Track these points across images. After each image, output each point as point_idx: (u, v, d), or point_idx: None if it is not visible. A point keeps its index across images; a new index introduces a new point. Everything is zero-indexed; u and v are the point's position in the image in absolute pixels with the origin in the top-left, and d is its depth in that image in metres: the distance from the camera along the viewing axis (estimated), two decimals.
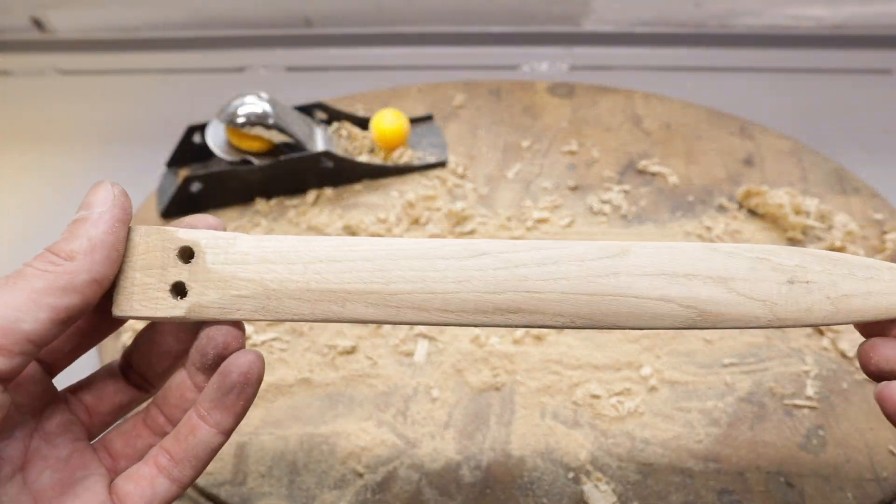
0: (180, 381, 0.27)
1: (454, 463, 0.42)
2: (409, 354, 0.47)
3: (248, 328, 0.48)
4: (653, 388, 0.45)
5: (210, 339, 0.25)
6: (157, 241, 0.26)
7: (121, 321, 0.28)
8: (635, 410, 0.43)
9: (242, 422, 0.43)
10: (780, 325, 0.26)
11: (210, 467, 0.42)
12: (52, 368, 0.27)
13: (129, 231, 0.26)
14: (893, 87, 0.71)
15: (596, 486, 0.40)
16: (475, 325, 0.26)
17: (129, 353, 0.29)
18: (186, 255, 0.26)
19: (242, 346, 0.26)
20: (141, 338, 0.29)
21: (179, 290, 0.26)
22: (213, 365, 0.26)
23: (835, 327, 0.47)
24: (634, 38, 0.78)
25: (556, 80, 0.72)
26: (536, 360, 0.46)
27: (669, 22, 0.78)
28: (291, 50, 0.81)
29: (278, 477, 0.41)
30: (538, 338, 0.47)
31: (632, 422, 0.43)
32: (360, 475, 0.41)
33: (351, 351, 0.47)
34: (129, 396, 0.29)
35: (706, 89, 0.71)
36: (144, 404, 0.29)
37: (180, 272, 0.26)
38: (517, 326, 0.26)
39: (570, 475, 0.41)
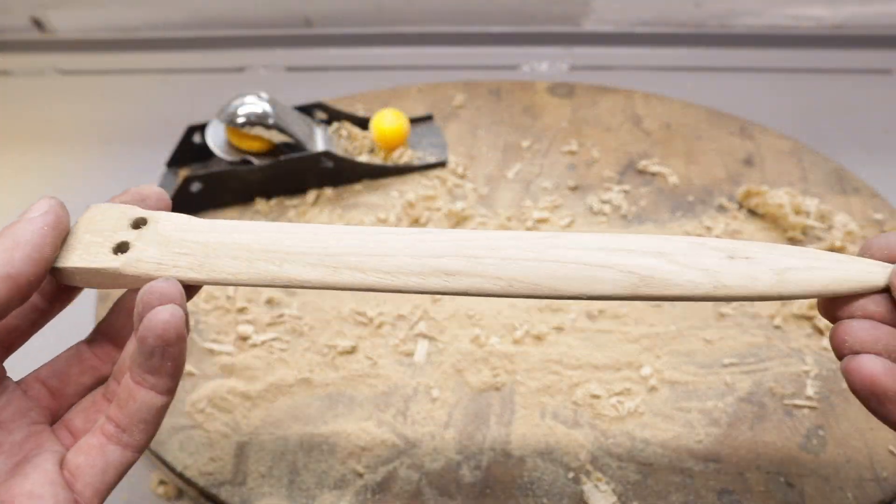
0: (133, 349, 0.27)
1: (454, 463, 0.42)
2: (409, 354, 0.47)
3: (248, 328, 0.48)
4: (653, 388, 0.45)
5: (145, 305, 0.25)
6: (115, 213, 0.27)
7: (72, 296, 0.28)
8: (635, 410, 0.43)
9: (242, 422, 0.43)
10: (726, 295, 0.26)
11: (210, 467, 0.42)
12: (8, 349, 0.27)
13: (86, 210, 0.27)
14: (893, 87, 0.71)
15: (596, 486, 0.40)
16: (411, 290, 0.26)
17: (102, 325, 0.29)
18: (139, 224, 0.27)
19: (178, 305, 0.25)
20: (116, 307, 0.29)
21: (122, 248, 0.27)
22: None
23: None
24: (634, 38, 0.78)
25: (556, 80, 0.72)
26: (536, 360, 0.46)
27: (669, 22, 0.78)
28: (291, 50, 0.81)
29: (278, 477, 0.41)
30: (538, 338, 0.47)
31: (632, 422, 0.43)
32: (360, 475, 0.41)
33: (351, 351, 0.47)
34: (95, 377, 0.28)
35: (706, 89, 0.71)
36: None
37: (128, 235, 0.27)
38: (454, 293, 0.26)
39: (570, 475, 0.41)
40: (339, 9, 0.80)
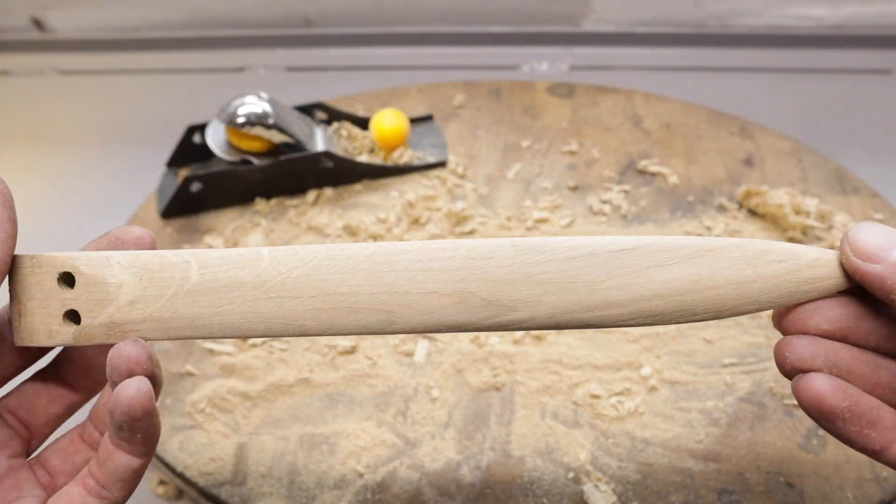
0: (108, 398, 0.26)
1: (454, 463, 0.42)
2: (409, 354, 0.47)
3: None
4: (653, 388, 0.45)
5: (114, 368, 0.24)
6: (44, 267, 0.25)
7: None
8: (635, 410, 0.43)
9: (242, 421, 0.43)
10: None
11: (210, 467, 0.42)
12: None
13: (14, 266, 0.25)
14: (893, 87, 0.71)
15: (596, 486, 0.40)
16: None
17: (68, 350, 0.28)
18: (70, 280, 0.25)
19: (146, 370, 0.24)
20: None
21: (74, 317, 0.25)
22: None
23: None
24: (634, 38, 0.78)
25: (556, 80, 0.72)
26: (536, 360, 0.46)
27: (669, 22, 0.78)
28: (291, 50, 0.81)
29: (278, 477, 0.41)
30: (538, 338, 0.47)
31: (632, 422, 0.43)
32: (360, 475, 0.41)
33: (351, 351, 0.47)
34: (64, 405, 0.28)
35: (706, 89, 0.71)
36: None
37: (70, 297, 0.25)
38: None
39: (570, 475, 0.41)
40: (339, 9, 0.80)
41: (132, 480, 0.25)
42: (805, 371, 0.24)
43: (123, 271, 0.25)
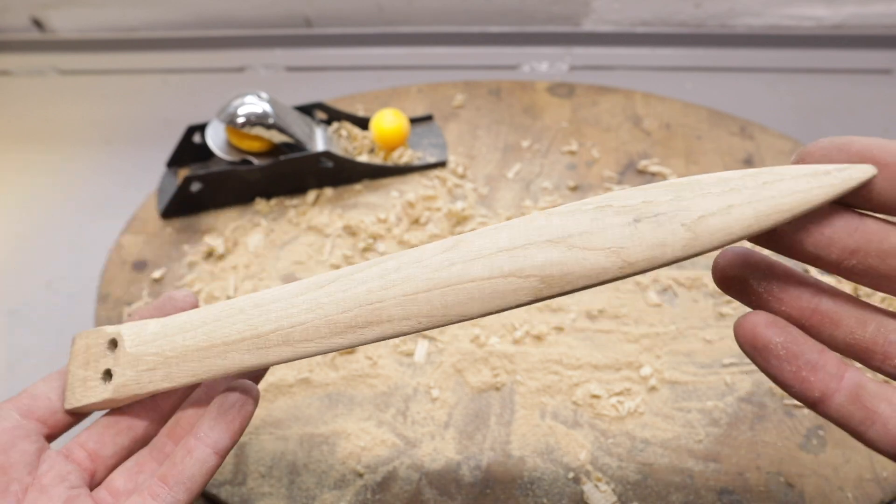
0: (193, 412, 0.29)
1: (454, 463, 0.42)
2: (409, 354, 0.47)
3: None
4: (653, 388, 0.45)
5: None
6: (93, 340, 0.30)
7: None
8: (635, 410, 0.43)
9: None
10: (635, 270, 0.23)
11: None
12: (55, 436, 0.29)
13: (73, 342, 0.30)
14: (893, 87, 0.71)
15: (596, 486, 0.40)
16: (336, 349, 0.26)
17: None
18: (114, 345, 0.29)
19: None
20: None
21: (108, 375, 0.29)
22: None
23: None
24: (634, 38, 0.78)
25: (556, 80, 0.72)
26: (536, 360, 0.46)
27: (669, 22, 0.78)
28: (291, 50, 0.81)
29: (278, 477, 0.41)
30: (538, 338, 0.47)
31: (632, 422, 0.43)
32: (360, 475, 0.41)
33: (351, 351, 0.47)
34: (131, 437, 0.30)
35: (706, 89, 0.71)
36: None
37: (109, 359, 0.29)
38: (373, 341, 0.26)
39: (570, 475, 0.41)
40: (339, 9, 0.80)
41: (199, 482, 0.27)
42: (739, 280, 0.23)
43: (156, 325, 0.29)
